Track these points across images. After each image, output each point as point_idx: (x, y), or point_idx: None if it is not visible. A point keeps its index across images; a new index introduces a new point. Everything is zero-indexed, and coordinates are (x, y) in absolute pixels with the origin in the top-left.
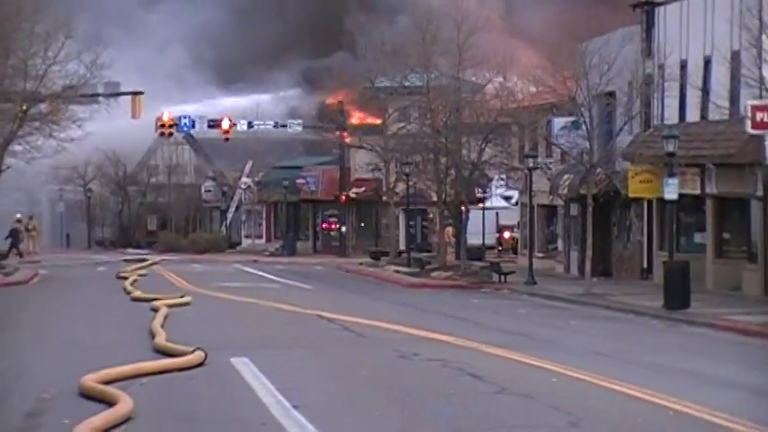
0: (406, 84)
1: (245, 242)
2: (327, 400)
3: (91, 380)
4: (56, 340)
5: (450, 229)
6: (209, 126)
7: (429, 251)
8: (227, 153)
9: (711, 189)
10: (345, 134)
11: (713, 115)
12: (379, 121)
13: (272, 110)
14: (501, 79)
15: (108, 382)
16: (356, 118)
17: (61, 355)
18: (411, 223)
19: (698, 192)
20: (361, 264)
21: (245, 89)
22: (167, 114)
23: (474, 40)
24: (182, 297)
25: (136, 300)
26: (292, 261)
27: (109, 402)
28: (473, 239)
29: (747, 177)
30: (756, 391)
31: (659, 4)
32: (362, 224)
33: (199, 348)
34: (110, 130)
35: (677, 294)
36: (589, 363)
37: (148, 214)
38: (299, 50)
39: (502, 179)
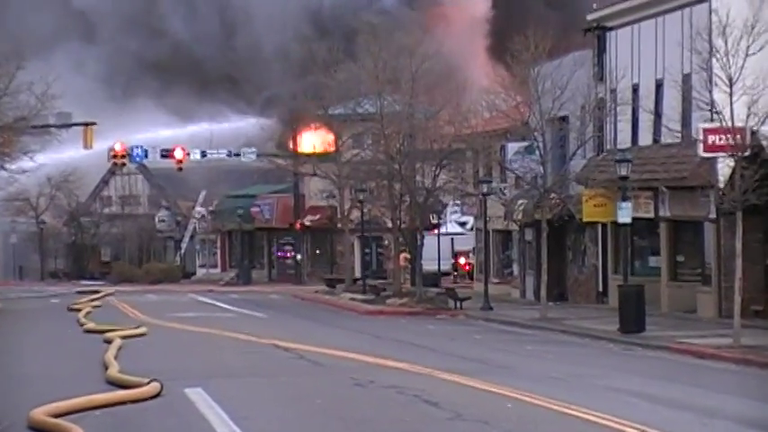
0: (360, 110)
1: (200, 272)
2: (282, 430)
3: (42, 413)
4: (6, 373)
5: (403, 255)
6: (162, 156)
7: (384, 278)
8: (180, 183)
9: (665, 212)
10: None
11: (665, 138)
12: (332, 149)
13: (227, 139)
14: (454, 105)
15: (59, 415)
16: (309, 145)
17: (12, 388)
18: (366, 250)
19: (651, 215)
20: (316, 291)
21: (199, 119)
22: (120, 145)
23: (427, 68)
24: (137, 328)
25: (89, 332)
26: (248, 290)
27: None
28: (428, 266)
29: (700, 200)
30: (710, 413)
31: (610, 29)
32: (318, 252)
33: (154, 380)
34: (62, 161)
35: (632, 318)
36: (545, 388)
37: (102, 245)
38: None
39: (457, 205)
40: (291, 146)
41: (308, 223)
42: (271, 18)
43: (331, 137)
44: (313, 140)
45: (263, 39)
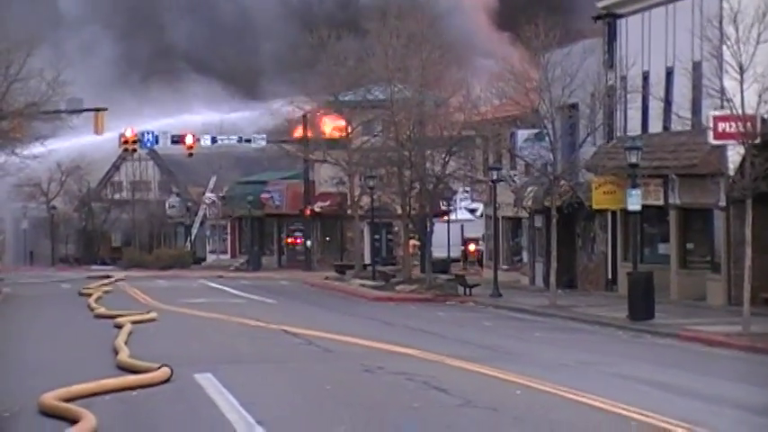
0: (370, 97)
1: (210, 257)
2: (291, 415)
3: (52, 397)
4: (18, 358)
5: (412, 242)
6: (173, 142)
7: (394, 264)
8: (191, 169)
9: (674, 200)
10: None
11: (675, 126)
12: (342, 133)
13: (238, 124)
14: (464, 92)
15: (70, 400)
16: (327, 126)
17: (23, 373)
18: (376, 237)
19: (661, 202)
20: (326, 278)
21: (212, 105)
22: (130, 130)
23: (437, 56)
24: (147, 313)
25: (99, 317)
26: (257, 276)
27: (72, 420)
28: (438, 252)
29: (710, 188)
30: (719, 401)
31: (621, 16)
32: (327, 238)
33: (164, 365)
34: (73, 147)
35: (641, 305)
36: (554, 374)
37: (113, 231)
38: (265, 66)
39: (466, 192)
40: (302, 132)
41: (318, 209)
42: (284, 4)
43: (342, 122)
44: (327, 126)
45: (275, 25)
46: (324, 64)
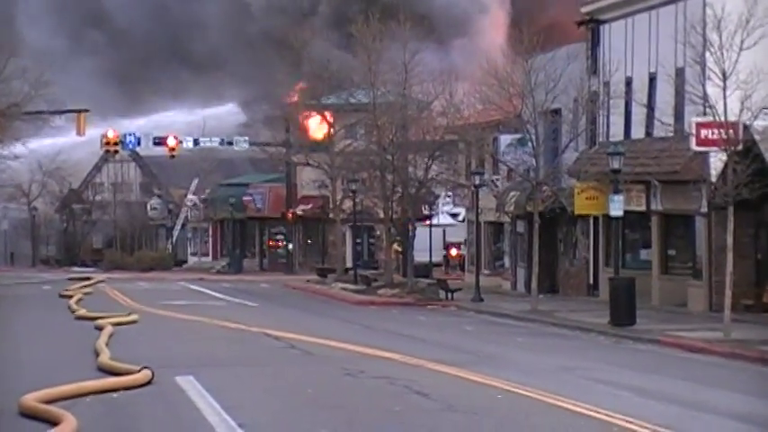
0: (353, 101)
1: (192, 260)
2: (273, 419)
3: (33, 399)
4: None
5: (393, 246)
6: (155, 143)
7: (376, 268)
8: (173, 170)
9: (656, 206)
10: (291, 151)
11: (658, 132)
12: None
13: (219, 128)
14: (447, 96)
15: (51, 401)
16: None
17: (3, 374)
18: (358, 240)
19: (643, 208)
20: (307, 281)
21: (192, 104)
22: (112, 132)
23: (420, 58)
24: (128, 315)
25: (80, 318)
26: (239, 279)
27: (52, 422)
28: (420, 257)
29: (692, 194)
30: (699, 407)
31: (604, 22)
32: (309, 241)
33: (146, 367)
34: (55, 147)
35: (623, 311)
36: (535, 379)
37: (94, 232)
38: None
39: (449, 196)
40: (284, 134)
41: (300, 213)
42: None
43: (325, 126)
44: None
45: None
46: (307, 65)
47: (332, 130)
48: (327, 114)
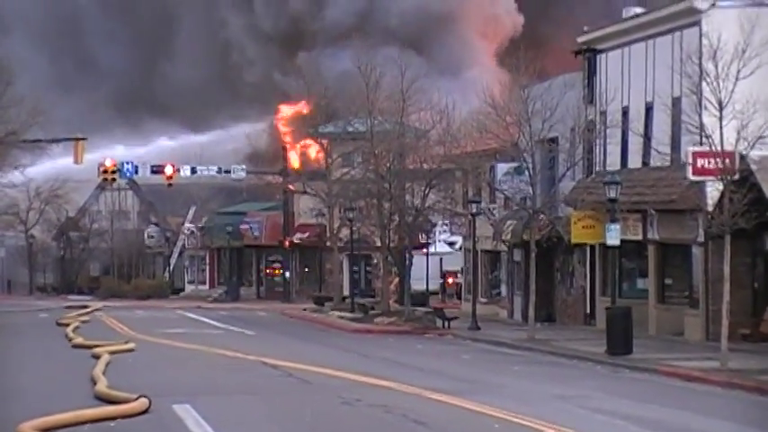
0: (350, 129)
1: (189, 288)
2: None
3: (30, 427)
4: None
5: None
6: (153, 172)
7: (373, 297)
8: (170, 199)
9: (653, 235)
10: (288, 180)
11: (655, 161)
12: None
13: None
14: (444, 125)
15: (48, 430)
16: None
17: (0, 402)
18: (355, 269)
19: (640, 237)
20: (304, 309)
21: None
22: (110, 160)
23: (418, 86)
24: (125, 343)
25: (77, 346)
26: (236, 307)
27: None
28: (417, 285)
29: (688, 223)
30: None
31: (601, 51)
32: (306, 269)
33: (143, 395)
34: (52, 175)
35: (620, 340)
36: (532, 408)
37: (91, 260)
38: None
39: (445, 225)
40: (282, 163)
41: (297, 241)
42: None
43: (321, 154)
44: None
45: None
46: (305, 92)
47: (328, 158)
48: (324, 142)
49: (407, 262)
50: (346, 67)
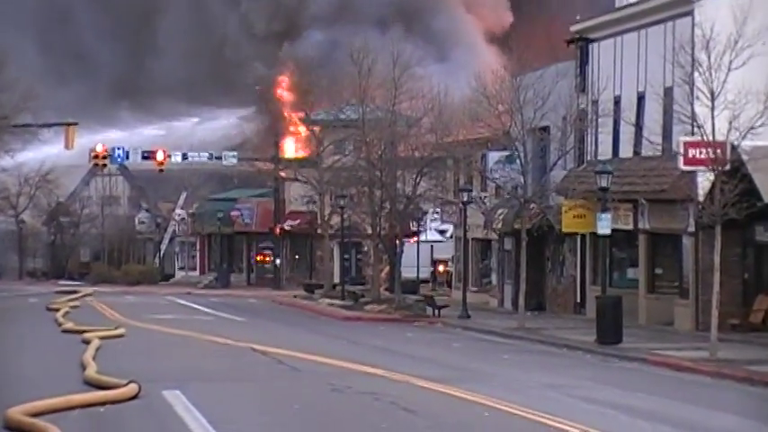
0: (342, 116)
1: (179, 274)
2: None
3: (19, 412)
4: None
5: (381, 266)
6: (144, 157)
7: (363, 284)
8: (161, 184)
9: (644, 224)
10: (280, 167)
11: (646, 151)
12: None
13: (210, 142)
14: (436, 113)
15: (37, 414)
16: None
17: None
18: (346, 256)
19: (631, 227)
20: (295, 296)
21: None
22: (101, 146)
23: (409, 75)
24: (115, 329)
25: (67, 331)
26: (226, 293)
27: None
28: (407, 273)
29: (679, 213)
30: (686, 426)
31: (593, 41)
32: (297, 257)
33: (132, 381)
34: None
35: (610, 329)
36: (522, 397)
37: (81, 245)
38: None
39: (437, 213)
40: (273, 150)
41: (287, 228)
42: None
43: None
44: (295, 145)
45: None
46: (297, 80)
47: (320, 146)
48: (316, 129)
49: (398, 250)
50: (333, 51)
